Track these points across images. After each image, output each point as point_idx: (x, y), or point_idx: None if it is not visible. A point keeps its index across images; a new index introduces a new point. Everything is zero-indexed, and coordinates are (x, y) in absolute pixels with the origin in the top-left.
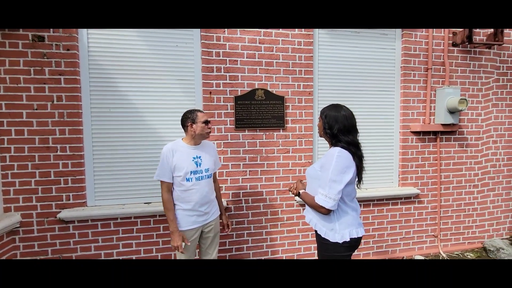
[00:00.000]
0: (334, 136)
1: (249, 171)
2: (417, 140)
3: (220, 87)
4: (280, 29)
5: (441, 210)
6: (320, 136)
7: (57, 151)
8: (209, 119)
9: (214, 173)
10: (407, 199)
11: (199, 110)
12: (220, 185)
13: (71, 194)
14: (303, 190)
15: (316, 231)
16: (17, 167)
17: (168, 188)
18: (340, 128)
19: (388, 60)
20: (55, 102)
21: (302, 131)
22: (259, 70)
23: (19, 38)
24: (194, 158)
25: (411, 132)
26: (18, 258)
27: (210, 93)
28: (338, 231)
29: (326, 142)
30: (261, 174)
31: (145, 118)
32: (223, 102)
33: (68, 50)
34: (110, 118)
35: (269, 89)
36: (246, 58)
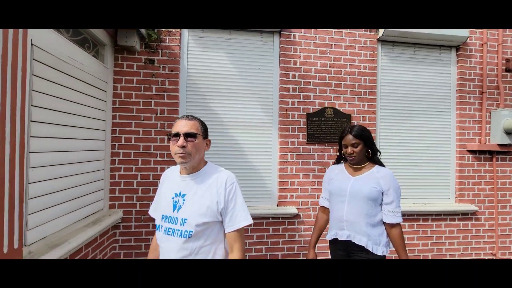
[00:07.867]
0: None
1: (317, 181)
2: (473, 159)
3: (295, 105)
4: (348, 54)
5: (498, 228)
6: (359, 162)
7: (156, 157)
8: (183, 131)
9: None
10: (464, 215)
11: (182, 117)
12: (291, 194)
13: None
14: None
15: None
16: (124, 170)
17: None
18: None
19: (444, 83)
20: (158, 115)
21: None
22: (329, 90)
23: (134, 61)
24: (175, 195)
25: (468, 151)
26: (117, 251)
27: (286, 110)
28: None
29: (368, 158)
30: None
31: (229, 131)
32: (297, 118)
33: (172, 71)
34: None
35: (337, 107)
36: (318, 80)
